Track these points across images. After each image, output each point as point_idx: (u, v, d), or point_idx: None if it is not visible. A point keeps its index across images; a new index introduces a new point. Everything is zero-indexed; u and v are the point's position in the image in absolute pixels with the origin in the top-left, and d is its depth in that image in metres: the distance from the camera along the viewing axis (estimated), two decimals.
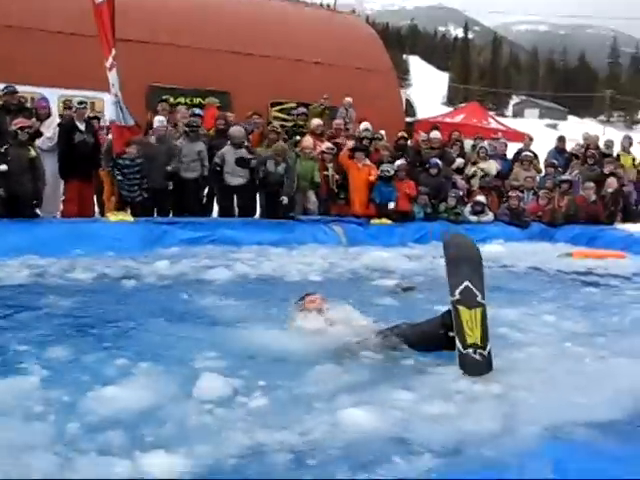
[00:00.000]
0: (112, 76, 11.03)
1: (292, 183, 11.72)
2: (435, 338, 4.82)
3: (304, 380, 4.42)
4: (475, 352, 4.50)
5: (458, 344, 4.53)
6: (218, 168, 11.45)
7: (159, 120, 11.43)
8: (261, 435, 3.50)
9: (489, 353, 4.55)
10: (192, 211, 11.49)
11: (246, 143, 11.84)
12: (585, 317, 6.73)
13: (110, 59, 11.00)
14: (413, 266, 9.69)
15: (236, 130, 11.74)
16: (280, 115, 19.26)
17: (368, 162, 12.60)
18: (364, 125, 13.90)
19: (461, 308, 4.66)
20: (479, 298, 4.74)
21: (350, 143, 13.10)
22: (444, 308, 4.94)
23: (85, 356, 4.82)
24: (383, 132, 14.36)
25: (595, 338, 5.82)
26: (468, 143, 15.59)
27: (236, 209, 11.98)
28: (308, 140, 12.28)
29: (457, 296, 4.72)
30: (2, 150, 9.51)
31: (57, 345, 5.02)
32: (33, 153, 9.80)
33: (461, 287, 4.76)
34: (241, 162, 11.43)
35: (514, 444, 3.35)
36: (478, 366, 4.47)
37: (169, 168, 11.08)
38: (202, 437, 3.48)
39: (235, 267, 8.84)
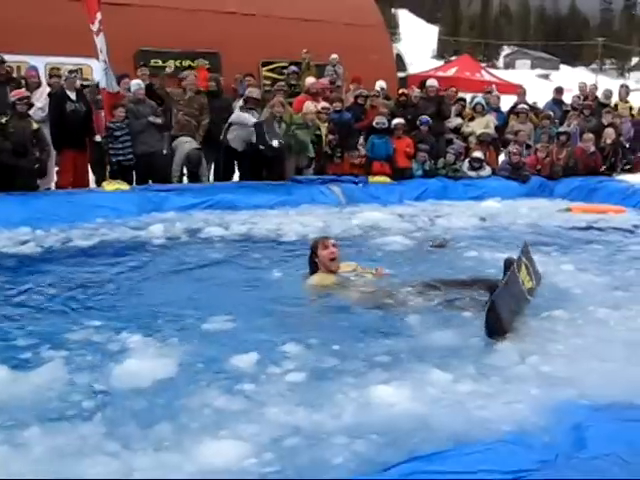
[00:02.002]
0: (99, 41, 10.82)
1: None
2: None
3: (333, 351, 4.38)
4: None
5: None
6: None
7: (136, 83, 11.22)
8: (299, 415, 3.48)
9: None
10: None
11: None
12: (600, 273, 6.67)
13: (96, 24, 10.78)
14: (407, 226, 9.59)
15: (254, 92, 11.66)
16: (272, 75, 18.97)
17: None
18: (379, 84, 13.86)
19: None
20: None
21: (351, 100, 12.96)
22: None
23: (98, 330, 4.78)
24: (384, 84, 14.15)
25: (615, 296, 5.80)
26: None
27: None
28: (309, 106, 12.03)
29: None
30: (3, 121, 9.34)
31: (65, 321, 4.99)
32: (35, 125, 9.68)
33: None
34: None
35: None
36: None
37: (150, 119, 10.92)
38: (237, 417, 3.47)
39: (232, 228, 8.91)
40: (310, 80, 13.34)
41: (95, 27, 10.77)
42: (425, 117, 12.96)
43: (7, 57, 11.28)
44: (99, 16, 10.74)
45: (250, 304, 5.47)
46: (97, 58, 11.10)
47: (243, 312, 5.19)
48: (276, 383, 3.87)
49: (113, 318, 5.04)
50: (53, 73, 12.35)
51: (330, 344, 4.46)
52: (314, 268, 5.87)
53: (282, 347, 4.40)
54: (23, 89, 10.25)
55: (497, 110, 14.73)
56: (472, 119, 14.00)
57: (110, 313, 5.21)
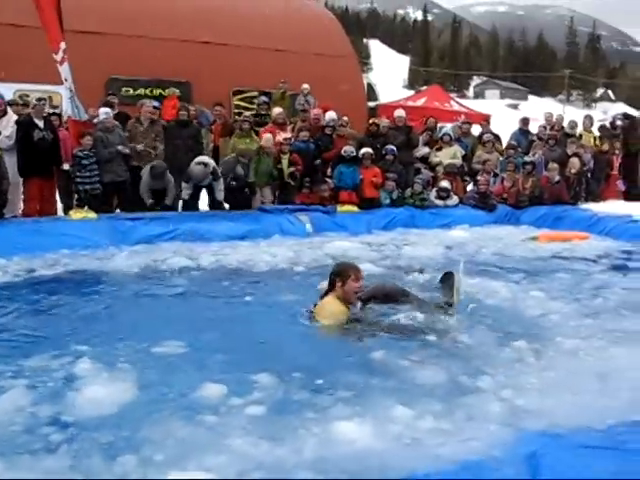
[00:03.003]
0: (64, 70, 10.85)
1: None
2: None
3: (296, 384, 4.36)
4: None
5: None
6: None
7: (105, 112, 11.27)
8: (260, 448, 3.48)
9: None
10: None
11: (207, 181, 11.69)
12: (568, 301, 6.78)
13: (60, 53, 10.79)
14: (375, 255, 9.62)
15: (197, 170, 11.40)
16: (242, 104, 19.11)
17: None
18: (330, 115, 13.87)
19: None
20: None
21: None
22: None
23: (61, 358, 4.73)
24: (346, 118, 14.30)
25: (584, 325, 5.90)
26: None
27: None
28: (268, 138, 12.16)
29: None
30: None
31: (31, 348, 4.96)
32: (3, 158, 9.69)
33: None
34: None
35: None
36: None
37: (119, 148, 10.98)
38: (202, 448, 3.45)
39: (202, 259, 8.83)
40: (277, 110, 13.43)
41: (59, 56, 10.80)
42: (390, 146, 13.12)
43: None
44: (63, 45, 10.76)
45: (213, 334, 5.42)
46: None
47: (206, 342, 5.17)
48: (237, 415, 3.85)
49: (73, 347, 4.97)
50: (23, 100, 12.32)
51: (293, 377, 4.43)
52: (330, 288, 5.61)
53: (244, 378, 4.37)
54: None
55: (459, 140, 14.88)
56: (440, 149, 14.19)
57: (70, 342, 5.12)
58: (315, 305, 5.63)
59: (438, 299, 6.34)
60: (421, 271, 8.10)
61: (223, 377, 4.34)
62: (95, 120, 11.41)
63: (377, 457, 3.40)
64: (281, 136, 12.50)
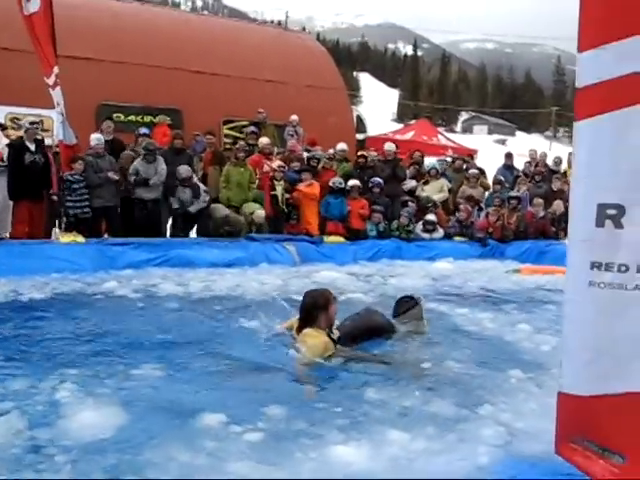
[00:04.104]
0: (56, 94, 10.91)
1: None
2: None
3: (291, 411, 4.39)
4: None
5: None
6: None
7: (96, 138, 11.38)
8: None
9: None
10: (153, 232, 11.47)
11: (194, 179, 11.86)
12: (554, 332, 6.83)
13: (52, 77, 10.86)
14: (362, 285, 9.70)
15: (183, 169, 11.69)
16: (232, 133, 19.26)
17: (315, 183, 12.69)
18: (340, 146, 14.20)
19: None
20: None
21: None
22: None
23: (47, 380, 4.75)
24: (345, 146, 14.45)
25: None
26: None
27: None
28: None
29: None
30: None
31: (16, 370, 4.98)
32: None
33: None
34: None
35: None
36: None
37: (110, 174, 11.08)
38: (208, 474, 3.50)
39: (189, 286, 8.87)
40: (263, 141, 13.59)
41: (51, 80, 10.85)
42: (377, 179, 13.30)
43: None
44: (56, 69, 10.82)
45: (205, 360, 5.47)
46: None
47: (199, 368, 5.22)
48: (235, 441, 3.90)
49: (61, 369, 5.00)
50: (14, 123, 12.39)
51: (289, 404, 4.48)
52: (312, 321, 5.46)
53: (237, 405, 4.44)
54: None
55: (444, 174, 15.06)
56: (427, 182, 14.38)
57: (57, 364, 5.17)
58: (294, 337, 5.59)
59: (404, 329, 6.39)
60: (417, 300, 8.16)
61: (216, 403, 4.41)
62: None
63: (374, 477, 3.50)
64: (274, 164, 12.64)
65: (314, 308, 5.47)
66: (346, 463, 3.64)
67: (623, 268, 2.31)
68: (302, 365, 5.22)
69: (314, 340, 5.32)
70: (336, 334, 5.59)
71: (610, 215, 2.33)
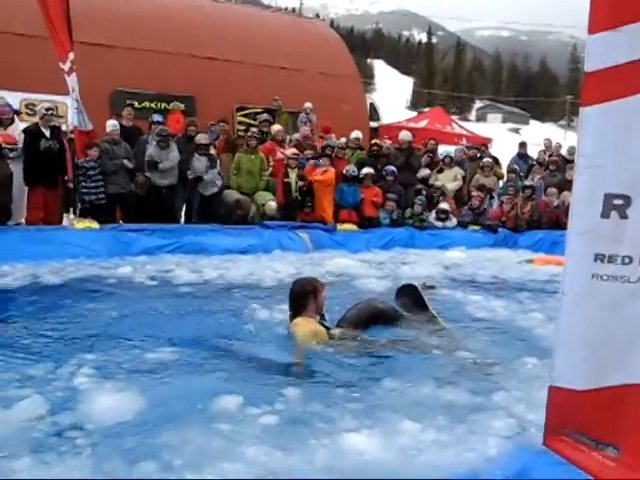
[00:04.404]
0: (72, 80, 10.91)
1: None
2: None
3: (306, 397, 4.41)
4: None
5: None
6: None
7: (112, 124, 11.42)
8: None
9: None
10: (167, 218, 11.54)
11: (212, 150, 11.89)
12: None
13: (68, 63, 10.85)
14: (374, 273, 9.71)
15: (201, 136, 11.84)
16: (245, 120, 19.25)
17: (331, 169, 12.66)
18: (355, 134, 14.26)
19: None
20: None
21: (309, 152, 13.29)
22: None
23: (66, 366, 4.79)
24: (360, 134, 14.47)
25: None
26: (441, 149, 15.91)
27: None
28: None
29: None
30: None
31: (35, 355, 5.03)
32: (11, 168, 9.87)
33: None
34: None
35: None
36: None
37: (125, 162, 11.15)
38: (223, 457, 3.54)
39: (203, 273, 8.91)
40: (276, 128, 13.58)
41: (66, 66, 10.84)
42: (391, 167, 13.28)
43: None
44: (71, 56, 10.82)
45: (220, 345, 5.52)
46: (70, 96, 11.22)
47: (212, 352, 5.27)
48: (251, 424, 3.95)
49: (78, 354, 5.05)
50: (30, 109, 12.45)
51: (303, 390, 4.51)
52: (301, 309, 5.48)
53: (253, 389, 4.48)
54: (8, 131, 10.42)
55: (460, 162, 15.05)
56: (441, 171, 14.35)
57: (75, 349, 5.22)
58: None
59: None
60: (432, 287, 8.19)
61: (233, 387, 4.44)
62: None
63: (383, 467, 3.52)
64: (287, 152, 12.65)
65: (302, 296, 5.49)
66: (358, 452, 3.67)
67: (627, 260, 2.28)
68: (297, 353, 5.25)
69: (303, 328, 5.33)
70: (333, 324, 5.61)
71: (616, 205, 2.29)
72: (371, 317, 5.91)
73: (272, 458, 3.56)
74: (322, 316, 5.60)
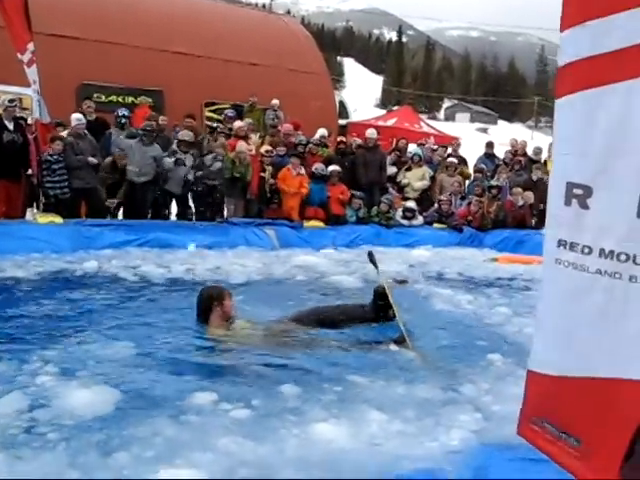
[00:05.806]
0: (32, 72, 10.67)
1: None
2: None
3: (273, 391, 4.48)
4: None
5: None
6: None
7: (77, 118, 11.24)
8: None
9: None
10: (143, 215, 11.46)
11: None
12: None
13: (28, 54, 10.57)
14: (342, 270, 9.78)
15: (186, 135, 11.80)
16: (214, 115, 19.16)
17: (303, 171, 12.62)
18: (321, 132, 14.25)
19: None
20: None
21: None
22: None
23: (35, 363, 4.77)
24: (325, 132, 14.49)
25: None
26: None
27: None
28: (242, 145, 12.27)
29: None
30: None
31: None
32: None
33: None
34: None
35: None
36: None
37: (89, 159, 10.96)
38: (189, 446, 3.60)
39: (171, 269, 8.87)
40: (238, 124, 13.53)
41: (26, 57, 10.53)
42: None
43: None
44: (31, 46, 10.51)
45: (188, 339, 5.49)
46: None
47: (185, 349, 5.26)
48: (221, 416, 4.02)
49: (44, 349, 5.03)
50: None
51: (274, 384, 4.58)
52: (207, 315, 5.60)
53: (223, 383, 4.54)
54: None
55: (429, 161, 15.15)
56: (409, 169, 14.42)
57: (41, 343, 5.19)
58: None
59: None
60: (405, 281, 8.25)
61: (202, 381, 4.54)
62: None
63: (350, 456, 3.61)
64: (262, 148, 12.70)
65: (208, 303, 5.60)
66: (326, 441, 3.77)
67: (586, 250, 2.32)
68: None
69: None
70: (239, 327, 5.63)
71: (577, 195, 2.33)
72: (313, 317, 5.97)
73: (243, 448, 3.61)
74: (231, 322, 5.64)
